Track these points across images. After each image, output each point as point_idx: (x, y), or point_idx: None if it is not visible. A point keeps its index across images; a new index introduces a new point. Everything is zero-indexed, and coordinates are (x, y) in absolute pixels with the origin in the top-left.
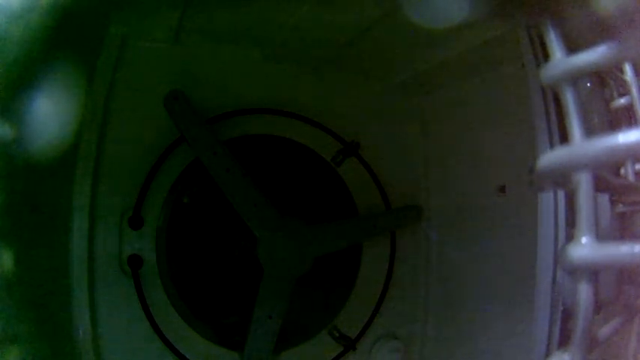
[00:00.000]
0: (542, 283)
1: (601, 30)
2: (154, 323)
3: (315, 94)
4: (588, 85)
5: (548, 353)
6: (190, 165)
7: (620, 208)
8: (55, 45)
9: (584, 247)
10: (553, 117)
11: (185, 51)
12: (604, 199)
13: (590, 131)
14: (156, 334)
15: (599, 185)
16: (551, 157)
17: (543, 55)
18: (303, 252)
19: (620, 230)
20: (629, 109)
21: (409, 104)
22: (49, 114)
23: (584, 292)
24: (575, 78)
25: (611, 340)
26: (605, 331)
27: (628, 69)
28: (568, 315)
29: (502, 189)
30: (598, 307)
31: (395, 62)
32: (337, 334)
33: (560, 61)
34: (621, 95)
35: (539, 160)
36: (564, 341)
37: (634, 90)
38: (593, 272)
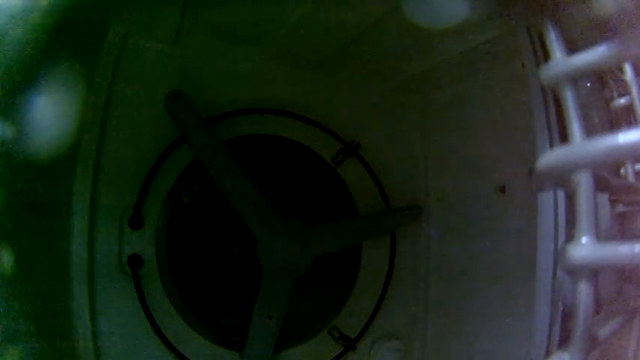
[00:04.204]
0: (542, 283)
1: (601, 30)
2: (154, 323)
3: (315, 94)
4: (588, 85)
5: (548, 353)
6: (190, 165)
7: (620, 208)
8: (55, 45)
9: (584, 247)
10: (553, 117)
11: (185, 51)
12: (604, 199)
13: (590, 131)
14: (156, 334)
15: (599, 185)
16: (551, 157)
17: (543, 55)
18: (303, 252)
19: (620, 230)
20: (629, 109)
21: (409, 104)
22: (49, 114)
23: (584, 292)
24: (575, 78)
25: (611, 340)
26: (605, 331)
27: (628, 69)
28: (568, 315)
29: (502, 189)
30: (598, 307)
31: (395, 62)
32: (337, 334)
33: (560, 61)
34: (621, 95)
35: (539, 160)
36: (564, 341)
37: (634, 90)
38: (593, 272)
